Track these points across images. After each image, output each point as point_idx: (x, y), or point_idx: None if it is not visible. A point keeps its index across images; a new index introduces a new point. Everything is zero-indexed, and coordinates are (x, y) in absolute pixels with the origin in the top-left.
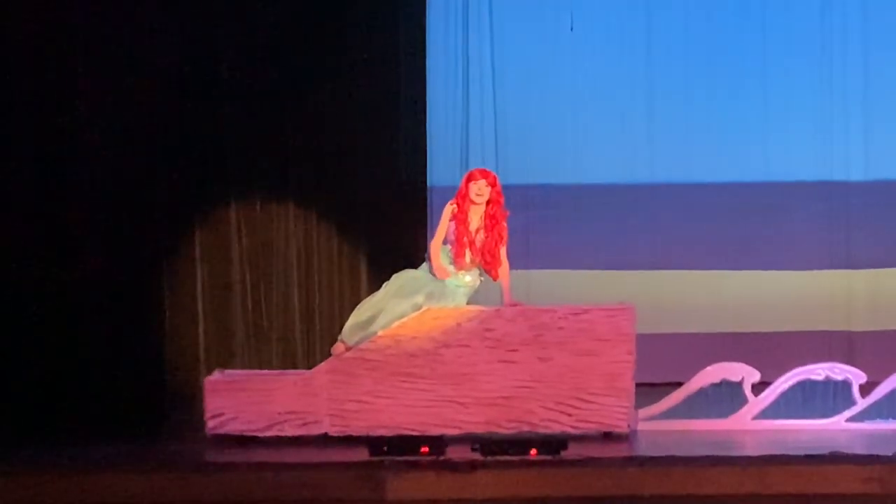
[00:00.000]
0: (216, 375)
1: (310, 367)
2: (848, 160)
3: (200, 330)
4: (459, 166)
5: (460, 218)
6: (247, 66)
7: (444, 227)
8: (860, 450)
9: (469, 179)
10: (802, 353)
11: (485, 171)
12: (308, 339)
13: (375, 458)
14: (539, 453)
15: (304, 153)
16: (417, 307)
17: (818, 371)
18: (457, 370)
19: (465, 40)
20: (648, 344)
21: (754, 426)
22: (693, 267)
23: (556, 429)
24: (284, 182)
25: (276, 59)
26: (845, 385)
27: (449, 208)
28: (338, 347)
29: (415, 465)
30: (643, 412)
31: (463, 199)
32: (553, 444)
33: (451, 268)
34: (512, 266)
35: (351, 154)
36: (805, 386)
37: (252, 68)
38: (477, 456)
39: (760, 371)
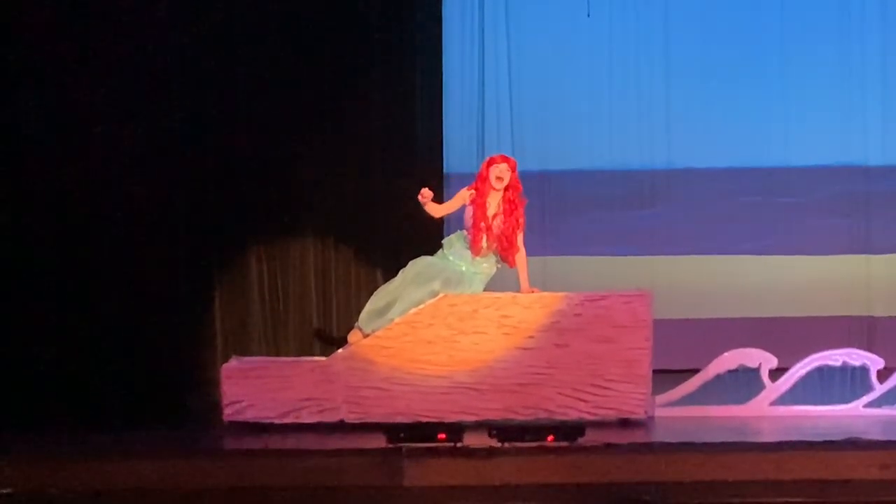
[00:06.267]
0: (233, 363)
1: (327, 355)
2: (867, 145)
3: (217, 317)
4: (476, 153)
5: (478, 203)
6: (263, 56)
7: (452, 201)
8: (878, 436)
9: (490, 163)
10: (821, 338)
11: (505, 156)
12: (325, 326)
13: (393, 445)
14: (556, 440)
15: (321, 142)
16: (434, 294)
17: (836, 357)
18: (473, 357)
19: (482, 26)
20: (666, 330)
21: (772, 412)
22: (711, 252)
23: (572, 415)
24: (301, 172)
25: (294, 50)
26: (863, 371)
27: (466, 193)
28: (354, 335)
29: (432, 452)
30: (660, 398)
31: (483, 182)
32: (570, 431)
33: (467, 253)
34: (528, 253)
35: (367, 142)
36: (823, 372)
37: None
38: (494, 442)
39: (778, 357)
